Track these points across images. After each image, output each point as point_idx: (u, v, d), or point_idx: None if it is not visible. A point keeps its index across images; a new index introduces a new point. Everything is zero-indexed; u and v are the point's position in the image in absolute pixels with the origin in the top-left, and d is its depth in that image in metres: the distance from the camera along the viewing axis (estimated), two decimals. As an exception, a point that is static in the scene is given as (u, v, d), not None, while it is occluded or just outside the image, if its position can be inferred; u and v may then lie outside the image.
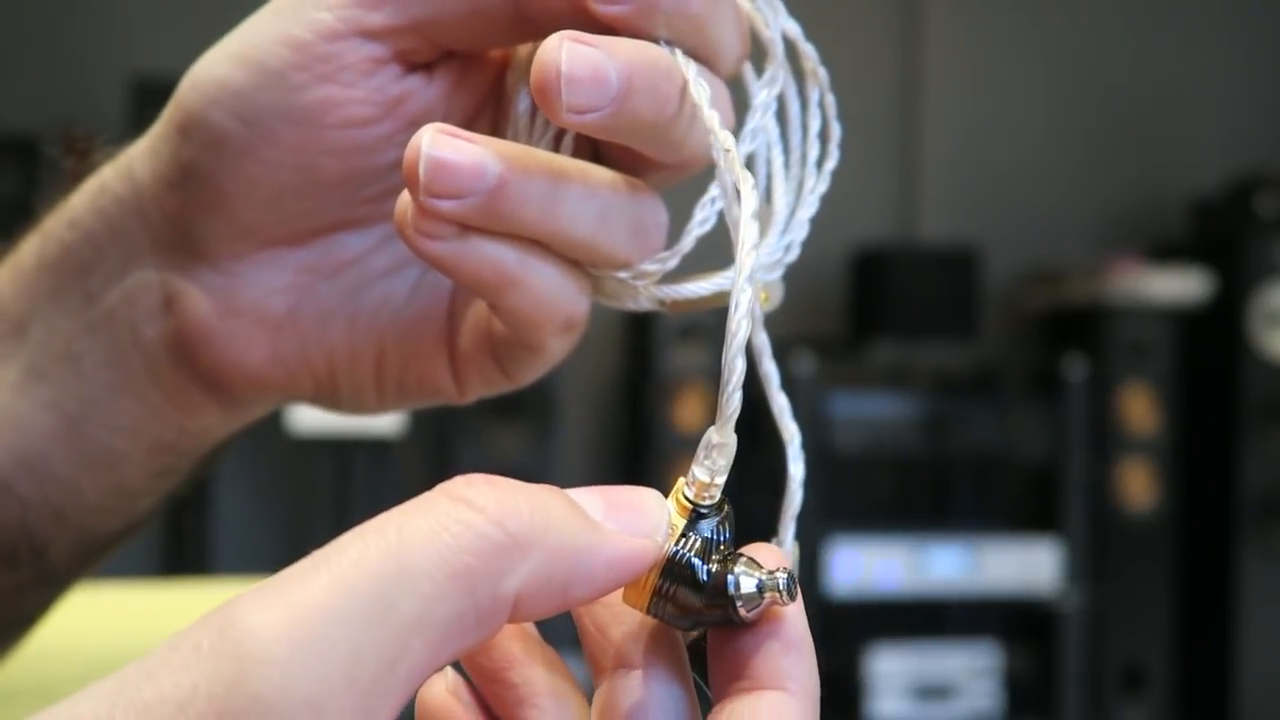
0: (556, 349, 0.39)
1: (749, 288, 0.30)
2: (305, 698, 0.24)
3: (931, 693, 2.89)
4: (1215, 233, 3.17)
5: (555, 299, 0.36)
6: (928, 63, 3.44)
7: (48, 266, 0.43)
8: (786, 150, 0.38)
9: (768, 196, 0.38)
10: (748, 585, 0.28)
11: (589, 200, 0.35)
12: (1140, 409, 2.99)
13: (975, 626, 3.03)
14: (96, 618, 0.83)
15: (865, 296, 3.12)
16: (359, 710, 0.24)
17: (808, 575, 2.85)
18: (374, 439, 2.85)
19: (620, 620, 0.30)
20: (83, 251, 0.42)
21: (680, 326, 2.90)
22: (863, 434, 2.90)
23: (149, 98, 2.56)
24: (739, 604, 0.28)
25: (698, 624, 0.29)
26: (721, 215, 0.34)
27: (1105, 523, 2.99)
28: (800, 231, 0.37)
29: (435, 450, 3.09)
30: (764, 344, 0.34)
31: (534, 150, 0.34)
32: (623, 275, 0.37)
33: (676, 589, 0.29)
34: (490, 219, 0.34)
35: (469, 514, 0.26)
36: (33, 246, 0.43)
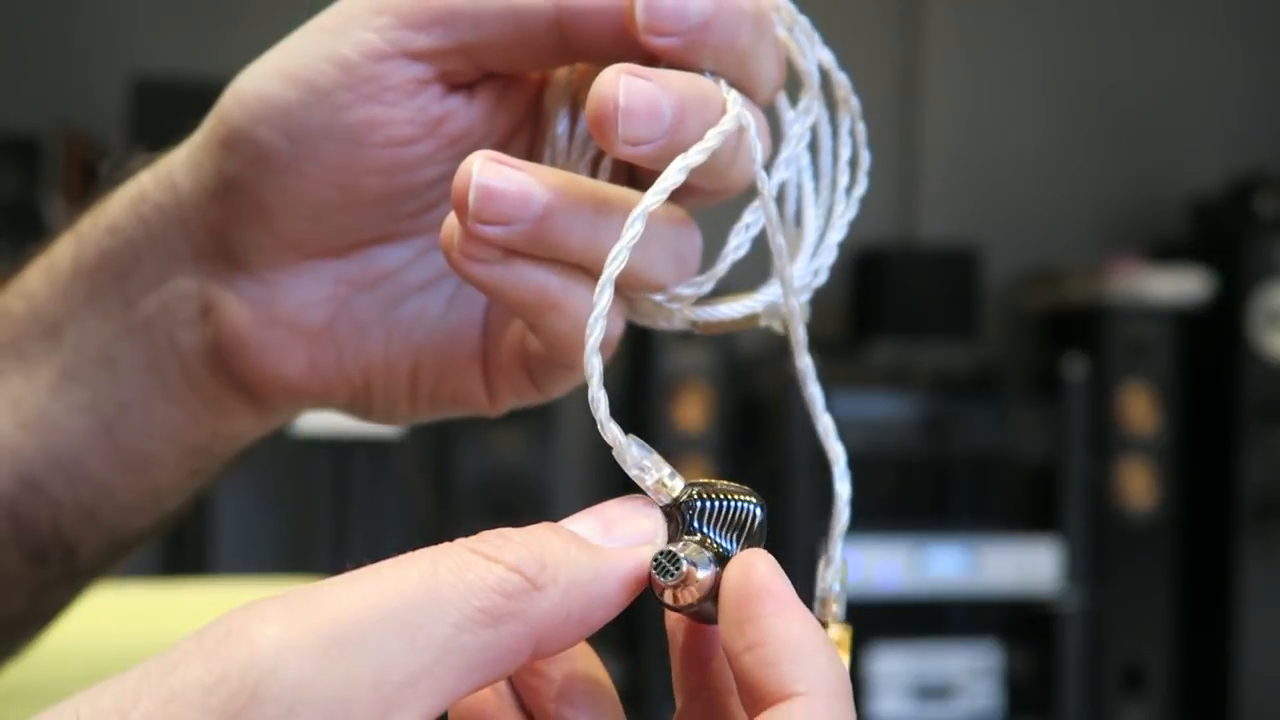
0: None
1: (609, 289, 0.31)
2: (335, 692, 0.25)
3: (931, 693, 2.90)
4: (1215, 233, 3.17)
5: None
6: (928, 63, 3.44)
7: (84, 271, 0.43)
8: (816, 175, 0.39)
9: (797, 221, 0.39)
10: (671, 575, 0.29)
11: None
12: (1140, 409, 2.99)
13: (975, 626, 3.03)
14: (96, 618, 0.83)
15: (865, 296, 3.12)
16: (380, 714, 0.26)
17: (806, 574, 2.85)
18: (374, 439, 2.85)
19: (713, 649, 0.32)
20: (121, 257, 0.42)
21: (680, 326, 2.90)
22: (863, 434, 2.90)
23: (149, 98, 2.56)
24: (662, 593, 0.29)
25: (676, 609, 0.30)
26: (754, 241, 0.35)
27: (1105, 523, 2.99)
28: (829, 256, 0.38)
29: (435, 451, 3.09)
30: (809, 367, 0.34)
31: (580, 179, 0.35)
32: (658, 298, 0.38)
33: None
34: (535, 245, 0.34)
35: (488, 563, 0.28)
36: (68, 250, 0.44)
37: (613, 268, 0.31)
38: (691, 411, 2.83)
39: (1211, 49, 3.54)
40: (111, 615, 0.85)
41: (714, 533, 0.30)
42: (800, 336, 0.34)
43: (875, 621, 2.98)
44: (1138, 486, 2.99)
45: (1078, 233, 3.45)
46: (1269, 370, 2.98)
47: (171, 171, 0.42)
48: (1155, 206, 3.47)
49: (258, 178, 0.39)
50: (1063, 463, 2.96)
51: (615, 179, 0.38)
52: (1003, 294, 3.36)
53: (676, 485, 0.30)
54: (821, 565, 0.34)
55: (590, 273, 0.36)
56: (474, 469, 2.84)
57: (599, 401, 0.30)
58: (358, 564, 0.29)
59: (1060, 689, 2.95)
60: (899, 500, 3.27)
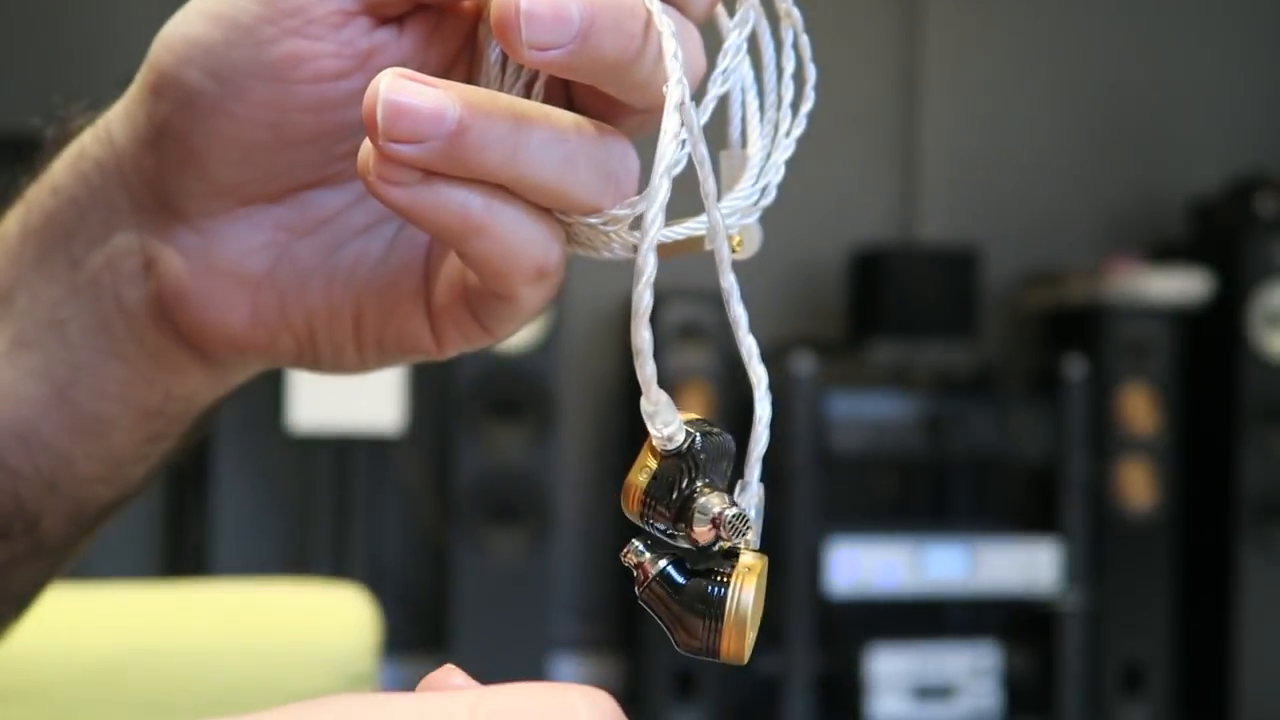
0: (530, 299, 0.38)
1: (652, 255, 0.31)
2: None
3: (931, 693, 2.90)
4: (1215, 233, 3.17)
5: (524, 246, 0.36)
6: (928, 63, 3.44)
7: (31, 234, 0.43)
8: (762, 94, 0.38)
9: (743, 141, 0.38)
10: (701, 513, 0.32)
11: (554, 144, 0.34)
12: (1140, 409, 2.99)
13: (975, 626, 3.03)
14: (96, 618, 0.83)
15: (865, 296, 3.12)
16: None
17: (808, 575, 2.86)
18: (374, 438, 2.85)
19: None
20: (65, 217, 0.42)
21: (681, 326, 2.90)
22: (863, 434, 2.90)
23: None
24: (693, 526, 0.32)
25: (670, 543, 0.33)
26: (691, 158, 0.33)
27: (1105, 523, 2.99)
28: (775, 175, 0.37)
29: (435, 450, 3.09)
30: (732, 286, 0.34)
31: (496, 94, 0.34)
32: (593, 221, 0.36)
33: (657, 507, 0.33)
34: (452, 164, 0.33)
35: None
36: (16, 216, 0.43)
37: (652, 233, 0.30)
38: (691, 411, 2.82)
39: (1211, 50, 3.54)
40: (112, 615, 0.85)
41: (713, 467, 0.33)
42: (724, 254, 0.34)
43: (875, 621, 2.98)
44: (1138, 486, 2.99)
45: (1078, 233, 3.46)
46: (1269, 370, 2.99)
47: (108, 125, 0.41)
48: (1155, 207, 3.47)
49: (187, 121, 0.38)
50: (1063, 463, 2.96)
51: (551, 105, 0.37)
52: (1003, 294, 3.36)
53: (680, 434, 0.32)
54: (737, 490, 0.34)
55: (514, 192, 0.35)
56: (474, 469, 2.84)
57: (646, 370, 0.31)
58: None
59: (1060, 689, 2.95)
60: (899, 500, 3.27)
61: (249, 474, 3.11)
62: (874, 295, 3.09)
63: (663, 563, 0.33)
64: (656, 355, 0.30)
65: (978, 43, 3.47)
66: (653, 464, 0.33)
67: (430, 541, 3.13)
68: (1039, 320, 3.31)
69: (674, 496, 0.32)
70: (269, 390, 2.82)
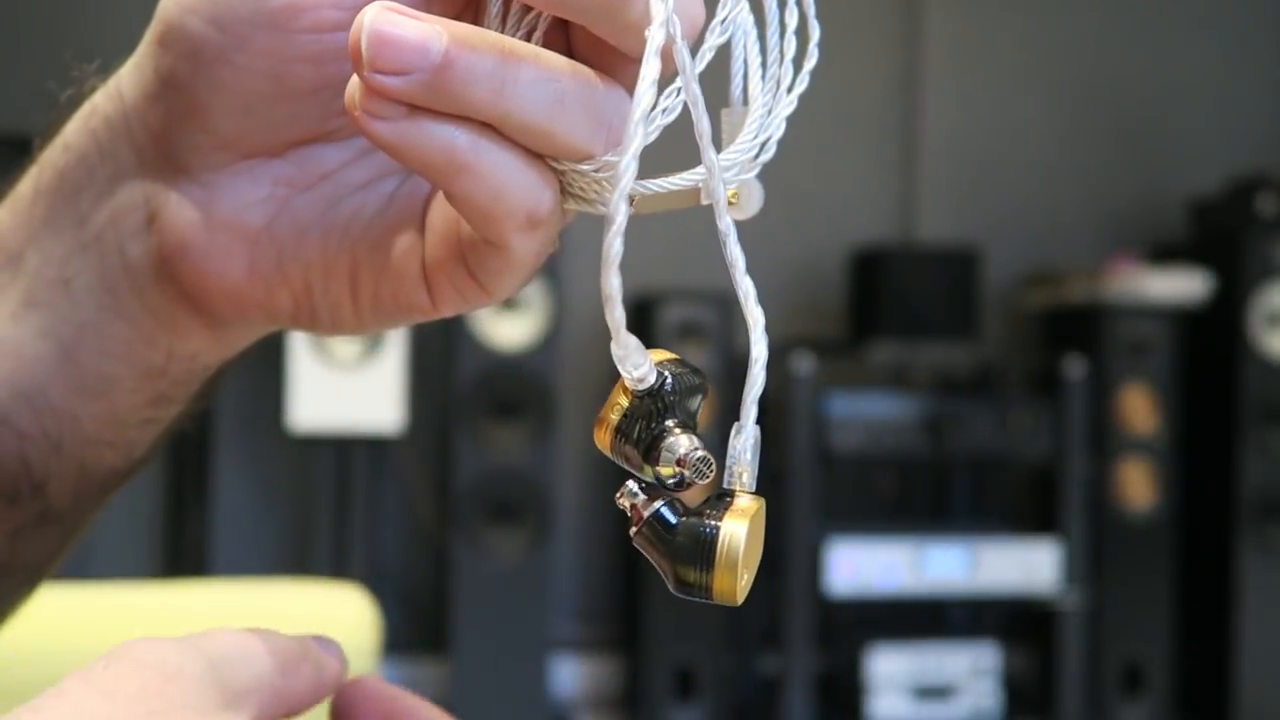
0: (523, 249, 0.38)
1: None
2: None
3: (931, 693, 2.90)
4: (1215, 233, 3.17)
5: (512, 188, 0.36)
6: (928, 63, 3.44)
7: (43, 193, 0.43)
8: (765, 50, 0.37)
9: (744, 99, 0.37)
10: (668, 452, 0.33)
11: (543, 83, 0.34)
12: (1140, 409, 2.99)
13: (975, 626, 3.03)
14: (97, 618, 0.83)
15: (865, 296, 3.12)
16: None
17: (808, 575, 2.85)
18: (374, 438, 2.85)
19: None
20: (75, 174, 0.42)
21: (680, 326, 2.90)
22: (862, 434, 2.90)
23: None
24: (659, 464, 0.33)
25: (639, 476, 0.34)
26: (686, 107, 0.33)
27: (1105, 523, 2.99)
28: (776, 130, 0.37)
29: (435, 450, 3.09)
30: (729, 228, 0.34)
31: (485, 30, 0.34)
32: (585, 167, 0.36)
33: (625, 445, 0.34)
34: (437, 98, 0.33)
35: None
36: (30, 177, 0.44)
37: (624, 180, 0.31)
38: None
39: (1211, 49, 3.54)
40: (112, 615, 0.85)
41: (682, 405, 0.34)
42: (720, 195, 0.33)
43: (875, 621, 2.98)
44: (1137, 486, 2.99)
45: (1078, 233, 3.46)
46: (1269, 370, 2.99)
47: (118, 82, 0.42)
48: (1155, 207, 3.47)
49: (190, 72, 0.39)
50: (1062, 463, 2.96)
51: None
52: (1003, 294, 3.36)
53: (651, 376, 0.34)
54: (733, 432, 0.34)
55: (499, 130, 0.35)
56: (474, 469, 2.84)
57: (615, 316, 0.32)
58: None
59: (1060, 689, 2.95)
60: (899, 500, 3.27)
61: (249, 474, 3.11)
62: (874, 295, 3.09)
63: (656, 504, 0.33)
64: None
65: (978, 43, 3.47)
66: (624, 401, 0.34)
67: (430, 541, 3.13)
68: (1039, 320, 3.31)
69: (643, 435, 0.34)
70: (269, 390, 2.82)
